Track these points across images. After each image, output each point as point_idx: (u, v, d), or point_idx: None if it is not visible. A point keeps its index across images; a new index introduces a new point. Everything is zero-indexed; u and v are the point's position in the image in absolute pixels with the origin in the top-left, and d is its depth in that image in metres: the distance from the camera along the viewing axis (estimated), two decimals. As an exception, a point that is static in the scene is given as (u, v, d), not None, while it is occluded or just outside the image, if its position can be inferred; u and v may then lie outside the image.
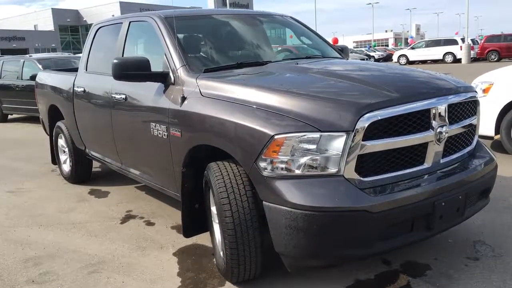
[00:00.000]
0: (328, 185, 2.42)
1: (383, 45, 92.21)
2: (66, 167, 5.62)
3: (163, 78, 3.34)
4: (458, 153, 2.92)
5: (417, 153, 2.64)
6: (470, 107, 2.97)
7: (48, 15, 65.83)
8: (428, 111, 2.61)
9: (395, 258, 3.15)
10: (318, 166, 2.43)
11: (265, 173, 2.50)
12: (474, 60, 31.10)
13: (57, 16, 65.05)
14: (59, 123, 5.50)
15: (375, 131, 2.45)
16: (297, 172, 2.44)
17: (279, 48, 4.77)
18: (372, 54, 47.51)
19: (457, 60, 30.87)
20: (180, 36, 3.57)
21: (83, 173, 5.48)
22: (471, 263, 3.05)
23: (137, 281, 3.08)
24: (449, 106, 2.73)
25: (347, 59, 4.11)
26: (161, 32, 3.54)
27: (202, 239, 3.55)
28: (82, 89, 4.61)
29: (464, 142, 2.98)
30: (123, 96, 3.81)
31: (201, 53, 3.68)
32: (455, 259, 3.11)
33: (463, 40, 31.97)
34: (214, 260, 3.15)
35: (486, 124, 5.62)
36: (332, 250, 2.46)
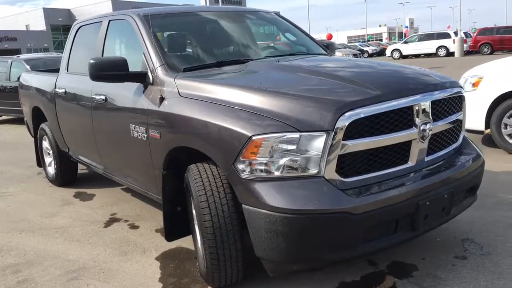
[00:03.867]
0: (308, 186, 2.34)
1: (377, 40, 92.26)
2: (51, 170, 5.52)
3: (142, 78, 3.25)
4: (444, 150, 2.85)
5: (401, 151, 2.57)
6: (455, 103, 2.90)
7: (39, 15, 65.28)
8: (410, 108, 2.53)
9: (381, 258, 3.07)
10: (297, 167, 2.35)
11: (243, 175, 2.42)
12: (467, 53, 31.12)
13: (49, 16, 64.50)
14: (43, 125, 5.39)
15: (356, 130, 2.37)
16: (276, 173, 2.37)
17: (271, 45, 4.67)
18: (365, 48, 47.48)
19: (450, 54, 30.88)
20: (160, 34, 3.47)
21: (68, 175, 5.38)
22: (459, 262, 2.98)
23: None
24: (433, 102, 2.66)
25: (332, 55, 4.02)
26: (139, 30, 3.44)
27: (186, 242, 3.47)
28: (63, 90, 4.51)
29: (449, 139, 2.90)
30: (103, 97, 3.71)
31: (181, 52, 3.59)
32: (443, 258, 3.04)
33: (456, 33, 31.97)
34: (197, 264, 3.07)
35: (476, 119, 5.57)
36: (313, 253, 2.38)
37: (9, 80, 11.13)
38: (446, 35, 31.93)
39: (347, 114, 2.32)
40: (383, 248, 2.55)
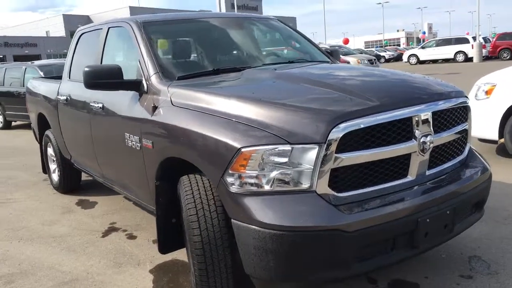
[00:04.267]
0: (298, 202, 2.23)
1: (394, 45, 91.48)
2: (56, 177, 5.49)
3: (136, 87, 3.18)
4: (447, 163, 2.70)
5: (399, 165, 2.43)
6: (460, 114, 2.75)
7: (59, 21, 66.38)
8: (409, 119, 2.40)
9: (381, 276, 2.94)
10: (288, 181, 2.24)
11: (232, 189, 2.31)
12: (486, 58, 30.57)
13: (68, 22, 65.47)
14: (47, 132, 5.38)
15: (350, 142, 2.25)
16: (266, 187, 2.26)
17: (285, 51, 4.55)
18: (382, 54, 47.07)
19: (468, 59, 30.35)
20: (160, 42, 3.40)
21: (71, 183, 5.34)
22: (464, 282, 2.83)
23: (108, 301, 2.92)
24: (435, 113, 2.52)
25: (336, 62, 3.90)
26: (136, 38, 3.38)
27: (182, 254, 3.36)
28: (65, 97, 4.48)
29: (454, 151, 2.76)
30: (100, 105, 3.66)
31: (177, 60, 3.51)
32: (447, 277, 2.89)
33: (474, 38, 31.43)
34: (190, 278, 2.97)
35: (489, 128, 5.38)
36: (304, 272, 2.26)
37: (23, 86, 11.21)
38: (464, 40, 31.41)
39: (340, 125, 2.20)
40: (380, 267, 2.42)
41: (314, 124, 2.22)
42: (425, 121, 2.45)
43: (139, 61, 3.24)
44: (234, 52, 3.76)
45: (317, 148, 2.18)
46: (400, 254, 2.42)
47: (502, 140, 5.42)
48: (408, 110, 2.39)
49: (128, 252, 3.65)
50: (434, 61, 32.51)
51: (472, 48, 30.18)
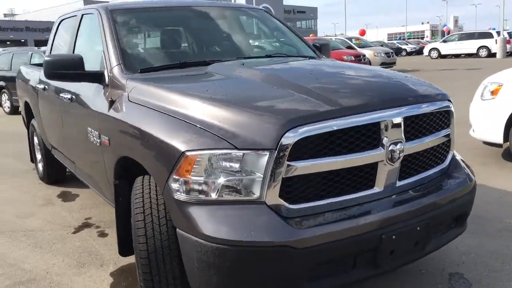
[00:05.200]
0: (245, 213, 2.01)
1: (418, 38, 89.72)
2: (41, 167, 5.37)
3: (98, 79, 2.99)
4: (424, 173, 2.45)
5: (364, 175, 2.19)
6: (441, 119, 2.49)
7: (80, 7, 66.82)
8: (376, 125, 2.15)
9: (351, 291, 2.71)
10: (237, 189, 2.03)
11: (176, 195, 2.11)
12: (510, 54, 29.59)
13: (89, 8, 65.81)
14: (33, 121, 5.25)
15: (305, 149, 2.02)
16: (213, 196, 2.05)
17: (270, 44, 4.27)
18: (403, 47, 46.13)
19: (492, 55, 29.44)
20: (124, 31, 3.19)
21: (55, 173, 5.20)
22: (438, 302, 2.58)
23: (58, 306, 2.76)
24: (408, 118, 2.27)
25: (322, 58, 3.64)
26: (102, 25, 3.18)
27: (147, 256, 3.19)
28: (43, 86, 4.32)
29: (432, 160, 2.50)
30: (69, 96, 3.48)
31: (145, 51, 3.30)
32: (422, 296, 2.65)
33: (498, 33, 30.46)
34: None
35: (493, 130, 5.07)
36: (250, 291, 2.05)
37: (29, 71, 11.19)
38: (488, 35, 30.47)
39: (293, 130, 1.98)
40: (340, 286, 2.19)
41: (265, 129, 2.00)
42: (396, 127, 2.20)
43: (103, 51, 3.04)
44: (208, 44, 3.53)
45: (267, 155, 1.96)
46: (362, 273, 2.19)
47: (507, 144, 5.09)
48: (374, 115, 2.14)
49: (94, 251, 3.49)
50: (457, 56, 31.64)
51: (496, 43, 29.25)
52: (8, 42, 52.13)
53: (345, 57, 18.62)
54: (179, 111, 2.25)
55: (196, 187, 2.07)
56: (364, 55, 19.46)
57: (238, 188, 2.03)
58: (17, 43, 53.19)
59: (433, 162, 2.51)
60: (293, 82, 2.43)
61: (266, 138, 1.98)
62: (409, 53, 44.76)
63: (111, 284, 2.99)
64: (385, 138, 2.17)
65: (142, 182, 2.45)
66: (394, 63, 21.97)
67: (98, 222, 4.06)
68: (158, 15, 3.56)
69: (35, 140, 5.42)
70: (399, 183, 2.31)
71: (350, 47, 21.34)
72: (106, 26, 3.13)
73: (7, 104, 12.41)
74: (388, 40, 68.16)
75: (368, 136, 2.14)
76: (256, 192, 2.01)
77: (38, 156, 5.45)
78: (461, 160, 2.77)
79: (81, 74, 2.96)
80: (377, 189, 2.23)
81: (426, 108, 2.36)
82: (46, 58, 2.95)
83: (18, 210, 4.49)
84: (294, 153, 1.99)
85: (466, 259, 3.05)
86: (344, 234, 2.05)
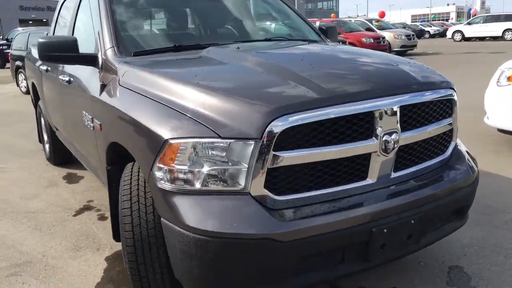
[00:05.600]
0: (228, 204, 1.95)
1: (443, 20, 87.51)
2: (48, 148, 5.39)
3: (93, 62, 2.93)
4: (422, 164, 2.34)
5: (356, 166, 2.10)
6: (442, 108, 2.37)
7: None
8: (369, 114, 2.05)
9: (347, 283, 2.64)
10: (221, 179, 1.96)
11: (160, 184, 2.05)
12: (536, 37, 28.66)
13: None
14: (39, 102, 5.25)
15: (293, 139, 1.94)
16: (197, 185, 1.98)
17: (272, 26, 4.12)
18: (427, 29, 45.04)
19: (518, 38, 28.56)
20: (120, 12, 3.11)
21: (61, 155, 5.20)
22: (434, 297, 2.50)
23: (50, 290, 2.77)
24: (404, 107, 2.15)
25: (327, 42, 3.51)
26: (99, 6, 3.10)
27: (143, 241, 3.17)
28: (45, 68, 4.29)
29: (431, 150, 2.39)
30: (67, 79, 3.44)
31: (140, 33, 3.22)
32: (418, 290, 2.57)
33: (525, 15, 29.47)
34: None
35: (509, 117, 4.87)
36: (233, 284, 2.00)
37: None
38: (514, 17, 29.52)
39: (280, 119, 1.89)
40: (326, 281, 2.14)
41: (250, 117, 1.92)
42: (391, 116, 2.10)
43: (98, 33, 2.98)
44: (206, 26, 3.43)
45: (253, 145, 1.89)
46: (351, 267, 2.12)
47: (523, 132, 4.90)
48: (368, 104, 2.04)
49: (92, 234, 3.48)
50: (481, 39, 30.76)
51: (523, 25, 28.33)
52: (31, 22, 52.49)
53: (363, 39, 18.27)
54: (166, 97, 2.18)
55: (180, 176, 2.01)
56: (383, 37, 19.06)
57: (223, 178, 1.96)
58: (38, 22, 53.54)
59: (432, 153, 2.40)
60: (286, 68, 2.32)
61: (251, 127, 1.90)
62: (432, 36, 43.67)
63: (105, 269, 2.98)
64: (379, 128, 2.06)
65: (132, 169, 2.41)
66: (415, 45, 21.47)
67: (99, 206, 4.06)
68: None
69: (42, 121, 5.43)
70: (394, 174, 2.21)
71: (369, 29, 20.89)
72: (103, 7, 3.06)
73: (23, 84, 12.51)
74: (411, 22, 66.71)
75: (360, 126, 2.04)
76: (241, 183, 1.94)
77: (45, 137, 5.47)
78: (466, 151, 2.65)
79: (75, 56, 2.90)
80: (370, 180, 2.14)
81: (427, 96, 2.24)
82: (40, 40, 2.90)
83: (23, 191, 4.52)
84: (281, 142, 1.91)
85: (469, 252, 2.95)
86: (332, 227, 1.97)
